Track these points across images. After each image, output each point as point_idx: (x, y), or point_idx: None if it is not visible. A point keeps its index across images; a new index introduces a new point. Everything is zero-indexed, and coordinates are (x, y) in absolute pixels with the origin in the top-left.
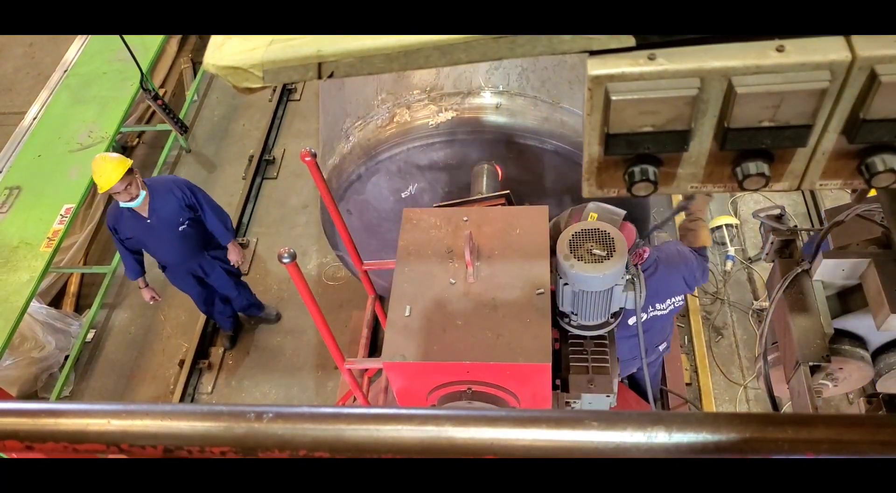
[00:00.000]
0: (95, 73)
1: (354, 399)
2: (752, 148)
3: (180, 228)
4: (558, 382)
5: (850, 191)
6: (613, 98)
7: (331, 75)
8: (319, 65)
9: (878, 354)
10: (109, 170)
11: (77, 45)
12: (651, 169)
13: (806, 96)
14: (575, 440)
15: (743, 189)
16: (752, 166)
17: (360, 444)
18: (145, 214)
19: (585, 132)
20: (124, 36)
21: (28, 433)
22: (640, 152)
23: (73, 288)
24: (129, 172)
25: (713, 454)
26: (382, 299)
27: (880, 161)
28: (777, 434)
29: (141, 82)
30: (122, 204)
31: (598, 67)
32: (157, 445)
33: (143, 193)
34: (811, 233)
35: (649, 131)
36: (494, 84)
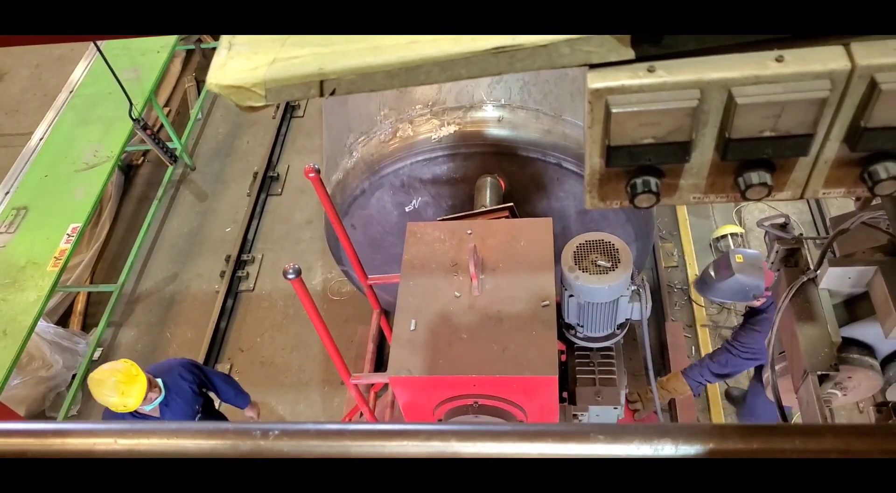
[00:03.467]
0: (101, 93)
1: (361, 414)
2: (753, 158)
3: (196, 418)
4: (565, 394)
5: (854, 199)
6: (614, 111)
7: (332, 93)
8: (321, 82)
9: (886, 362)
10: (127, 383)
11: (83, 66)
12: (653, 180)
13: (806, 106)
14: (581, 455)
15: (745, 199)
16: (755, 176)
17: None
18: (157, 415)
19: (587, 145)
20: (114, 69)
21: (36, 453)
22: (641, 164)
23: (79, 307)
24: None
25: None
26: (388, 314)
27: (883, 169)
28: (784, 445)
29: (130, 113)
30: (148, 408)
31: (598, 80)
32: None
33: (161, 382)
34: (816, 241)
35: (650, 143)
36: (496, 98)
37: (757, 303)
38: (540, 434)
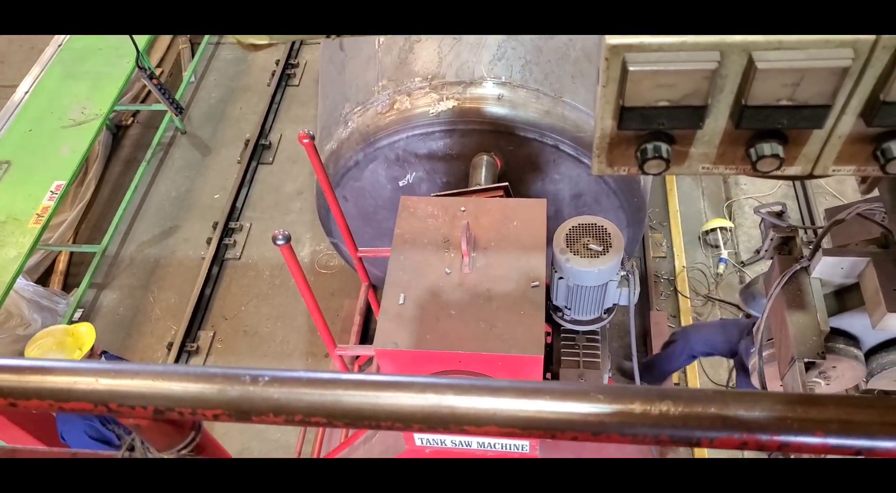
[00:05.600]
0: (91, 48)
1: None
2: (767, 128)
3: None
4: (549, 376)
5: (859, 182)
6: (631, 69)
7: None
8: None
9: (870, 354)
10: (77, 338)
11: None
12: (664, 146)
13: (827, 75)
14: (580, 413)
15: (755, 171)
16: (767, 147)
17: (359, 410)
18: None
19: (599, 106)
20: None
21: (12, 389)
22: (653, 128)
23: (61, 266)
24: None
25: (721, 430)
26: (376, 288)
27: None
28: (787, 413)
29: (137, 60)
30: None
31: (617, 36)
32: (148, 406)
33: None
34: (811, 231)
35: (665, 106)
36: (497, 75)
37: None
38: (539, 391)
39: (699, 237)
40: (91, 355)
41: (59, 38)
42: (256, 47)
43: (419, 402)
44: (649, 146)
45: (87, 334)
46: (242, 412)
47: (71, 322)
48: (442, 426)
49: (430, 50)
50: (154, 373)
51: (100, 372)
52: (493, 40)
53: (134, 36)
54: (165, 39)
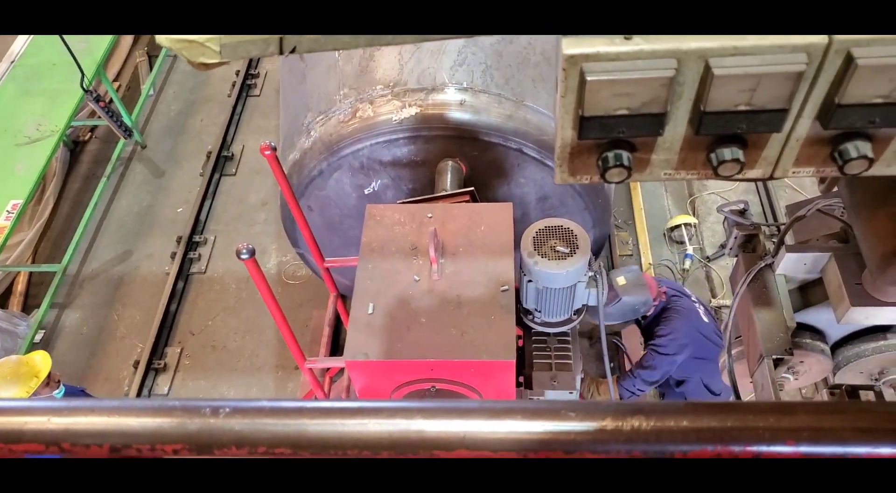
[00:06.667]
0: (45, 64)
1: (315, 399)
2: (727, 133)
3: None
4: (521, 379)
5: (818, 181)
6: (589, 79)
7: (293, 51)
8: (281, 39)
9: (836, 347)
10: (32, 366)
11: (24, 36)
12: (625, 154)
13: (782, 79)
14: (551, 431)
15: (717, 176)
16: (727, 152)
17: (325, 440)
18: None
19: (558, 116)
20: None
21: None
22: (614, 137)
23: (20, 287)
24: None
25: (693, 443)
26: (344, 298)
27: (853, 148)
28: (758, 423)
29: (81, 83)
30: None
31: (574, 47)
32: (103, 443)
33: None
34: (773, 228)
35: (624, 114)
36: (458, 80)
37: (648, 313)
38: (509, 411)
39: (664, 234)
40: (48, 382)
41: (10, 55)
42: (207, 66)
43: (387, 428)
44: (610, 155)
45: (42, 362)
46: (203, 446)
47: (32, 344)
48: (411, 452)
49: (390, 57)
50: (109, 408)
51: (51, 410)
52: (453, 46)
53: (79, 58)
54: (122, 53)
